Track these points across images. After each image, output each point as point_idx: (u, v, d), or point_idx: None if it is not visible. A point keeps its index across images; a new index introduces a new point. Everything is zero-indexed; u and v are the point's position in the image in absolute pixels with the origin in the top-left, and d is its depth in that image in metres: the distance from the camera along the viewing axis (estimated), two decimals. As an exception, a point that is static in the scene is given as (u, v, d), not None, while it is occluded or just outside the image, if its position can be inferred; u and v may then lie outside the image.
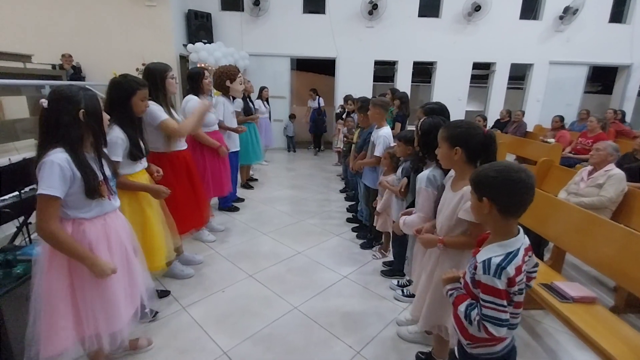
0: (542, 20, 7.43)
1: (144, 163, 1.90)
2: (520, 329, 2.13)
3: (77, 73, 5.62)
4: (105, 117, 1.41)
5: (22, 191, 1.96)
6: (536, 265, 1.13)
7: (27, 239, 2.09)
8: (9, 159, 1.99)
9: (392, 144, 2.65)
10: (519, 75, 8.03)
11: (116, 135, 1.68)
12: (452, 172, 1.56)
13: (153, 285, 1.72)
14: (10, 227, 2.12)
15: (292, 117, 7.69)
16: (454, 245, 1.44)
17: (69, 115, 1.25)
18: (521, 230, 1.07)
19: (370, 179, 2.92)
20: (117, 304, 1.42)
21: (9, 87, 4.01)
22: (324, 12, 7.18)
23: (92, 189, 1.29)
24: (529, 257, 1.08)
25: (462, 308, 1.07)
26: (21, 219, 2.02)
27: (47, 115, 1.25)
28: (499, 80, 7.79)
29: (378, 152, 2.74)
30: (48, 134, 1.25)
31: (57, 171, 1.20)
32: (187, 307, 2.21)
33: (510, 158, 5.84)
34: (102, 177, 1.34)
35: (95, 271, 1.31)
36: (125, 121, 1.73)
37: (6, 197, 1.96)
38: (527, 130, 6.48)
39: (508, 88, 7.88)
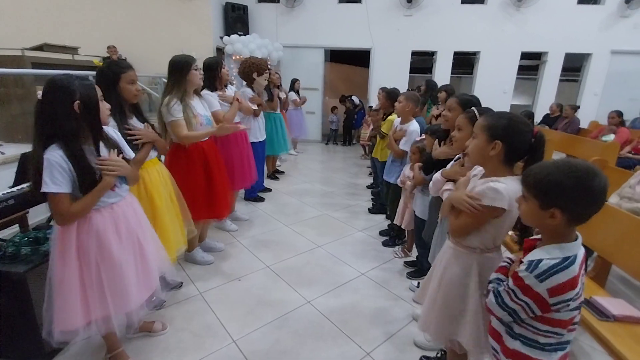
0: (605, 5, 6.67)
1: (154, 152, 1.89)
2: (552, 345, 1.93)
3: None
4: (105, 106, 1.38)
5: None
6: None
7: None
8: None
9: (418, 139, 2.51)
10: (574, 66, 7.30)
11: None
12: (477, 170, 1.41)
13: (173, 272, 1.75)
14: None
15: (333, 109, 7.62)
16: (444, 204, 1.38)
17: (64, 107, 1.21)
18: (579, 237, 0.94)
19: (391, 174, 2.80)
20: (127, 287, 1.43)
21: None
22: (359, 1, 6.98)
23: (87, 185, 1.27)
24: (584, 272, 0.95)
25: (491, 277, 1.08)
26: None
27: (42, 107, 1.21)
28: (551, 72, 7.13)
29: (402, 145, 2.61)
30: (42, 128, 1.22)
31: (56, 168, 1.20)
32: (203, 292, 2.26)
33: (559, 157, 5.36)
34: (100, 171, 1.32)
35: (110, 182, 1.34)
36: (117, 110, 1.65)
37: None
38: (581, 127, 5.90)
39: (561, 80, 7.20)
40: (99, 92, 1.33)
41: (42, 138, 1.22)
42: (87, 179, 1.27)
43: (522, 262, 0.97)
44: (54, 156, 1.20)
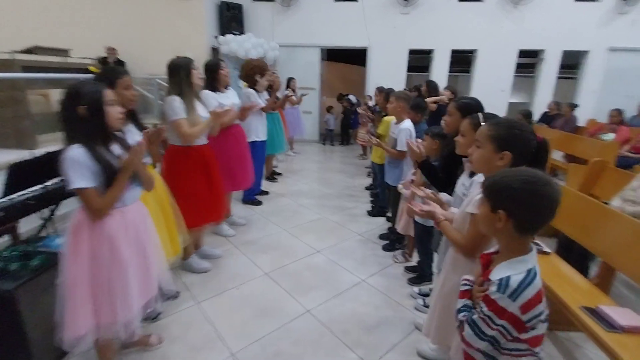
0: (602, 2, 6.63)
1: (148, 159, 1.87)
2: (557, 353, 1.90)
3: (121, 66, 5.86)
4: (115, 110, 1.38)
5: (47, 184, 2.02)
6: None
7: (53, 231, 2.17)
8: (31, 152, 2.06)
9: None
10: (572, 63, 7.28)
11: None
12: (482, 177, 1.37)
13: (170, 282, 1.72)
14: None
15: (329, 109, 7.55)
16: (446, 231, 1.33)
17: (70, 112, 1.28)
18: (533, 246, 0.95)
19: (392, 176, 2.75)
20: (131, 293, 1.45)
21: (53, 80, 4.25)
22: (356, 0, 6.91)
23: (111, 181, 1.34)
24: None
25: (459, 304, 1.03)
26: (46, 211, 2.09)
27: (59, 113, 1.31)
28: (549, 70, 7.11)
29: (401, 146, 2.57)
30: (65, 131, 1.31)
31: (78, 164, 1.26)
32: (200, 302, 2.21)
33: (558, 155, 5.33)
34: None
35: (130, 170, 1.40)
36: None
37: (33, 188, 2.03)
38: (579, 125, 5.88)
39: (559, 78, 7.18)
40: (111, 97, 1.37)
41: (67, 139, 1.30)
42: (109, 175, 1.33)
43: (486, 281, 0.95)
44: (75, 153, 1.26)
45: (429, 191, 1.59)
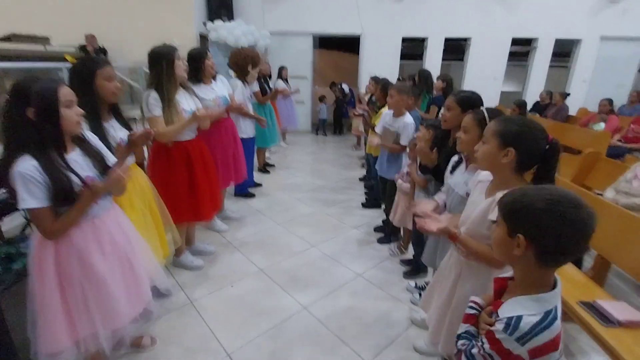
0: (595, -10, 6.61)
1: (131, 157, 1.76)
2: (551, 345, 1.92)
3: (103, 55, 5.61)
4: (74, 112, 1.21)
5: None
6: None
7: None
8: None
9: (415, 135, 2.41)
10: (563, 52, 7.28)
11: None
12: (483, 175, 1.32)
13: (165, 281, 1.69)
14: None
15: (322, 99, 7.43)
16: (470, 247, 1.17)
17: (17, 115, 1.09)
18: (559, 282, 0.81)
19: (392, 170, 2.69)
20: (115, 304, 1.36)
21: (33, 70, 4.07)
22: (349, -14, 6.73)
23: (60, 197, 1.17)
24: None
25: (461, 329, 0.95)
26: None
27: (3, 114, 1.12)
28: (541, 58, 7.12)
29: (404, 141, 2.52)
30: (7, 137, 1.12)
31: (28, 181, 1.10)
32: (194, 301, 2.17)
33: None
34: (79, 181, 1.21)
35: (104, 192, 1.29)
36: (89, 113, 1.45)
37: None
38: (570, 114, 5.92)
39: (551, 66, 7.19)
40: (68, 97, 1.18)
41: (10, 148, 1.13)
42: (60, 191, 1.16)
43: (495, 313, 0.84)
44: (27, 168, 1.09)
45: (431, 206, 1.54)
